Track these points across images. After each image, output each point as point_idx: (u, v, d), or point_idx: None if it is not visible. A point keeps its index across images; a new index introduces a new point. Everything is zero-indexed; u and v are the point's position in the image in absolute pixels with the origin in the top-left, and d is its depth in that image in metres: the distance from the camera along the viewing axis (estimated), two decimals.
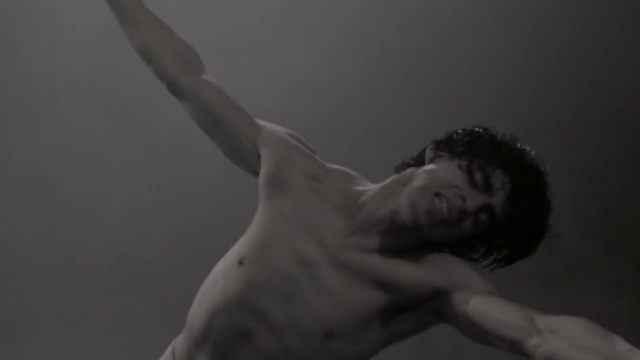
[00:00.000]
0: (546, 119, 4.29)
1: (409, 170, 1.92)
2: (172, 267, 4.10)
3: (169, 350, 2.09)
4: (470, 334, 1.85)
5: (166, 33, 2.10)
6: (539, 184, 1.89)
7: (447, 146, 1.89)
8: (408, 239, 1.87)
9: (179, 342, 2.07)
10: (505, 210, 1.84)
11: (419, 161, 1.92)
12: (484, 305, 1.80)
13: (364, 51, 4.21)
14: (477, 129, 1.90)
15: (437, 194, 1.82)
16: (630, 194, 4.31)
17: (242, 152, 2.04)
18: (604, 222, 4.29)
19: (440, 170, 1.86)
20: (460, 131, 1.90)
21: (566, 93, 4.29)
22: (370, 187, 1.96)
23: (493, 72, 4.24)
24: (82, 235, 4.15)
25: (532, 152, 1.90)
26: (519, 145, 1.89)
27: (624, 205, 4.31)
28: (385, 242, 1.88)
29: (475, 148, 1.86)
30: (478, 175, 1.83)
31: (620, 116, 4.30)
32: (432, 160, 1.89)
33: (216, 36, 4.13)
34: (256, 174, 2.03)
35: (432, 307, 1.88)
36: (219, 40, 4.13)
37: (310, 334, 1.87)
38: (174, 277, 4.04)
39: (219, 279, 1.97)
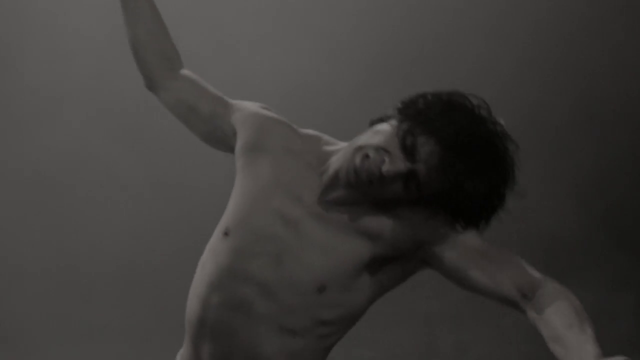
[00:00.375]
0: (552, 118, 4.30)
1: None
2: (177, 274, 4.10)
3: None
4: (455, 283, 1.92)
5: (160, 33, 2.15)
6: (475, 162, 1.85)
7: (404, 109, 1.92)
8: (369, 197, 1.92)
9: (183, 352, 2.09)
10: (432, 181, 1.85)
11: (386, 119, 1.96)
12: (468, 265, 1.87)
13: (368, 50, 4.22)
14: (443, 96, 1.90)
15: (367, 155, 1.86)
16: (634, 191, 4.32)
17: (220, 135, 2.10)
18: (609, 218, 4.30)
19: (381, 132, 1.90)
20: (429, 96, 1.91)
21: (572, 93, 4.30)
22: (340, 147, 2.01)
23: (496, 70, 4.25)
24: (86, 242, 4.14)
25: (492, 129, 1.88)
26: (478, 119, 1.88)
27: (628, 202, 4.32)
28: (355, 196, 1.92)
29: (421, 115, 1.88)
30: (409, 142, 1.86)
31: (624, 116, 4.31)
32: (387, 120, 1.94)
33: (223, 36, 4.14)
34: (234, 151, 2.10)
35: (418, 256, 1.93)
36: (225, 39, 4.14)
37: (304, 290, 1.90)
38: (179, 284, 4.05)
39: (207, 260, 2.00)
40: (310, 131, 2.09)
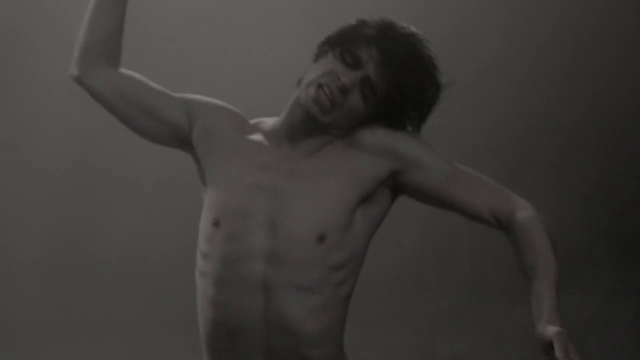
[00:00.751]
0: (561, 126, 4.32)
1: None
2: (179, 272, 4.10)
3: None
4: (431, 205, 2.08)
5: (119, 34, 2.17)
6: (407, 47, 2.04)
7: (327, 43, 2.08)
8: (331, 130, 2.03)
9: None
10: (383, 76, 2.01)
11: (315, 61, 2.10)
12: (443, 190, 2.02)
13: None
14: (352, 21, 2.10)
15: (319, 85, 1.99)
16: (639, 201, 4.34)
17: (166, 128, 2.14)
18: (612, 226, 4.31)
19: (319, 66, 2.04)
20: (342, 26, 2.10)
21: (582, 101, 4.31)
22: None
23: (507, 76, 4.26)
24: (88, 239, 4.15)
25: (403, 24, 2.08)
26: (388, 22, 2.08)
27: (633, 211, 4.33)
28: (317, 141, 2.04)
29: (345, 36, 2.06)
30: (348, 57, 2.02)
31: (634, 126, 4.33)
32: (316, 60, 2.08)
33: (234, 31, 4.16)
34: (188, 144, 2.14)
35: (395, 186, 2.05)
36: (236, 35, 4.16)
37: (306, 243, 1.97)
38: (181, 282, 4.06)
39: (204, 264, 2.05)
40: (258, 119, 2.18)
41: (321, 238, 1.97)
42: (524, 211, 1.99)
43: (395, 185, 2.05)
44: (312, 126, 2.02)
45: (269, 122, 2.13)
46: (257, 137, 2.10)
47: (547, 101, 4.30)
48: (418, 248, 4.26)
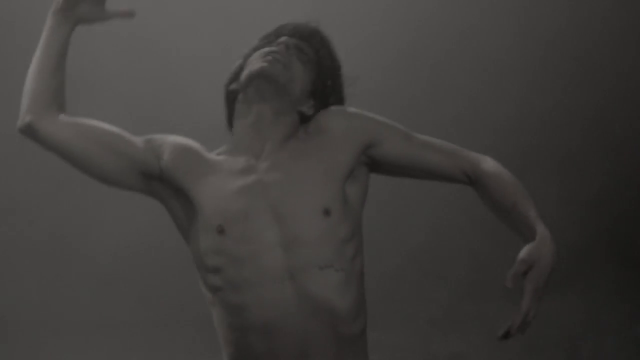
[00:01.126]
0: (562, 133, 4.34)
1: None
2: (186, 274, 4.11)
3: None
4: (403, 176, 2.19)
5: (62, 87, 2.21)
6: (311, 29, 2.26)
7: (249, 54, 2.21)
8: (288, 97, 2.14)
9: None
10: (306, 47, 2.20)
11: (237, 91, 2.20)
12: (414, 157, 2.14)
13: (388, 52, 4.23)
14: None
15: (264, 56, 2.14)
16: (637, 206, 4.35)
17: (134, 169, 2.15)
18: (610, 232, 4.33)
19: (248, 65, 2.17)
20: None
21: (583, 108, 4.33)
22: None
23: (508, 79, 4.28)
24: (93, 239, 4.17)
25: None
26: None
27: (631, 218, 4.35)
28: (282, 125, 2.14)
29: (259, 44, 2.22)
30: (269, 42, 2.20)
31: (633, 133, 4.35)
32: (238, 78, 2.18)
33: (233, 32, 4.16)
34: (155, 178, 2.15)
35: (366, 162, 2.15)
36: (236, 35, 4.17)
37: (316, 222, 2.04)
38: (188, 285, 4.07)
39: (220, 276, 2.06)
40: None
41: (327, 212, 2.04)
42: (487, 162, 2.11)
43: (368, 160, 2.14)
44: (272, 90, 2.11)
45: (223, 148, 2.19)
46: (222, 157, 2.15)
47: (551, 104, 4.32)
48: (418, 248, 4.28)
